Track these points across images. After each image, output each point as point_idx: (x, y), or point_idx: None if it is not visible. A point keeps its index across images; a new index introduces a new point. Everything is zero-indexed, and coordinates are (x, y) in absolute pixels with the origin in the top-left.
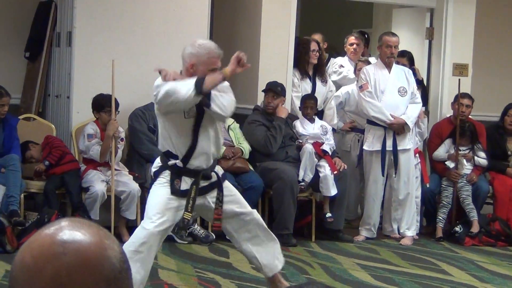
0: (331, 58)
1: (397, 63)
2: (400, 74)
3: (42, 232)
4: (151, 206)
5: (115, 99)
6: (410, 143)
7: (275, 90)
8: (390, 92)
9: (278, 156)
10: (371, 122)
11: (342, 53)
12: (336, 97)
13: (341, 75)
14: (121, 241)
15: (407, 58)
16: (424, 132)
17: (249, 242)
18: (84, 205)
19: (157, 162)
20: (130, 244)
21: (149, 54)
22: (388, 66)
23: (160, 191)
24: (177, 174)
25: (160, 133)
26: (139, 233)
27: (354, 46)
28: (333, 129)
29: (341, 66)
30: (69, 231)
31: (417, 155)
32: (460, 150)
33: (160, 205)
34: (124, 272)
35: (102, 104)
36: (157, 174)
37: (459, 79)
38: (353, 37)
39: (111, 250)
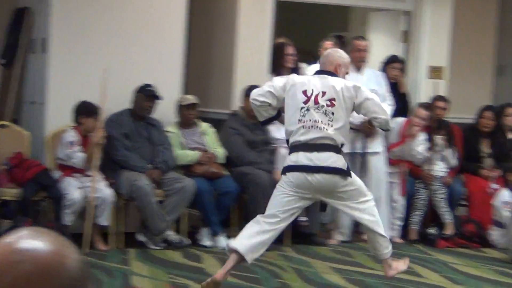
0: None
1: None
2: (372, 77)
3: (2, 241)
4: None
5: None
6: (380, 146)
7: None
8: None
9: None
10: None
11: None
12: None
13: None
14: (95, 248)
15: (401, 63)
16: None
17: None
18: (60, 207)
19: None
20: None
21: (125, 60)
22: (359, 70)
23: None
24: None
25: (345, 127)
26: None
27: None
28: None
29: None
30: (28, 240)
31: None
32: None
33: None
34: (83, 280)
35: (91, 110)
36: None
37: (435, 82)
38: (328, 42)
39: (70, 258)
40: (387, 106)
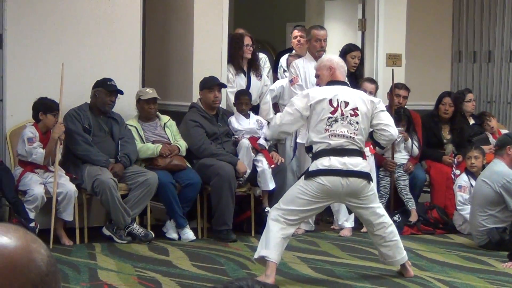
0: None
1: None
2: None
3: None
4: None
5: (56, 102)
6: None
7: (221, 84)
8: None
9: None
10: None
11: (277, 48)
12: (271, 90)
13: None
14: (60, 243)
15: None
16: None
17: None
18: (20, 208)
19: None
20: None
21: (81, 54)
22: (317, 59)
23: None
24: None
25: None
26: None
27: (298, 38)
28: (269, 123)
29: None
30: None
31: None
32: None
33: None
34: (51, 275)
35: (50, 106)
36: None
37: (393, 69)
38: (296, 30)
39: (38, 253)
40: None
